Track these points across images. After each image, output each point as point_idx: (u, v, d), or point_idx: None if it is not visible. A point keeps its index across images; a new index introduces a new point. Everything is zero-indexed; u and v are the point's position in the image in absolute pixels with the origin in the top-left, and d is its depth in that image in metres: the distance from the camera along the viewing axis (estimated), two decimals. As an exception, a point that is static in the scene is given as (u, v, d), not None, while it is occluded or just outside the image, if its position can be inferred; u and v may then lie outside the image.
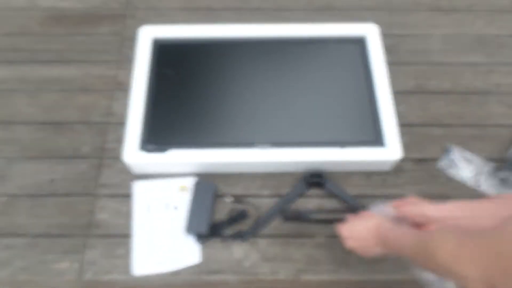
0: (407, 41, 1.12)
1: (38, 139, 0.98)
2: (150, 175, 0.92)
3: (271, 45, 1.03)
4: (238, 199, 0.90)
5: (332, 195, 0.91)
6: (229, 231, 0.87)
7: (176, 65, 1.00)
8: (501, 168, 0.92)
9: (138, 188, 0.91)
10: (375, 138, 0.91)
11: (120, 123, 0.99)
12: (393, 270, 0.84)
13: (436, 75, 1.07)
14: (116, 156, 0.95)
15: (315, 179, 0.90)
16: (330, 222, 0.86)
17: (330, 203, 0.90)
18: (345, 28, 1.05)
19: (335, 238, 0.86)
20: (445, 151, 0.94)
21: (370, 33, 1.03)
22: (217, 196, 0.91)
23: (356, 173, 0.93)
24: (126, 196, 0.91)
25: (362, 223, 0.74)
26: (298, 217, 0.86)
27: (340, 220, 0.85)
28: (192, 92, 0.97)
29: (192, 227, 0.85)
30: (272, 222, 0.88)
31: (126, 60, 1.09)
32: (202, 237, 0.85)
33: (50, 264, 0.84)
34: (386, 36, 1.12)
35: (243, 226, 0.87)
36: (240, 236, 0.86)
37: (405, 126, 0.99)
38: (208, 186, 0.90)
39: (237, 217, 0.87)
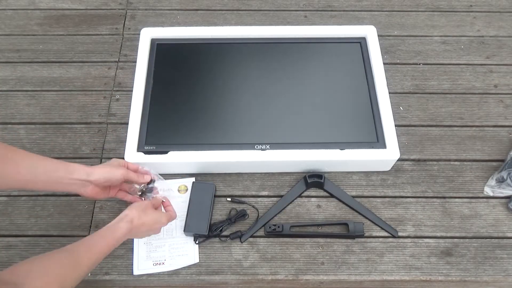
0: (406, 41, 1.13)
1: (38, 139, 0.98)
2: (150, 175, 0.92)
3: (270, 47, 1.04)
4: (237, 199, 0.90)
5: (331, 195, 0.91)
6: (228, 231, 0.87)
7: (176, 67, 1.00)
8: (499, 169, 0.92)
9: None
10: (374, 138, 0.91)
11: (120, 123, 0.99)
12: (393, 270, 0.84)
13: (435, 76, 1.07)
14: (116, 156, 0.95)
15: (314, 179, 0.90)
16: (312, 236, 0.87)
17: (329, 204, 0.90)
18: (345, 29, 1.05)
19: (335, 238, 0.87)
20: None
21: (370, 34, 1.03)
22: (216, 197, 0.91)
23: (355, 173, 0.94)
24: (126, 196, 0.91)
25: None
26: (280, 232, 0.86)
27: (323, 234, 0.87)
28: (192, 93, 0.97)
29: (190, 228, 0.85)
30: (271, 222, 0.88)
31: (126, 61, 1.09)
32: (201, 238, 0.86)
33: (50, 264, 0.84)
34: (385, 37, 1.13)
35: (243, 226, 0.88)
36: (239, 236, 0.86)
37: (404, 126, 1.00)
38: (207, 186, 0.90)
39: (237, 217, 0.87)
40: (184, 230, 0.85)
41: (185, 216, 0.86)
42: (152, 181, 0.84)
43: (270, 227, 0.86)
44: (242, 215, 0.88)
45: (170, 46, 1.03)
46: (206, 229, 0.85)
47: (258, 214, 0.89)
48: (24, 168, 0.70)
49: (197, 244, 0.85)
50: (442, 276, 0.83)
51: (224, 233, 0.87)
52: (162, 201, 0.83)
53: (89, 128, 0.99)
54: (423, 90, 1.05)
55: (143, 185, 0.83)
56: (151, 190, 0.84)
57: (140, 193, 0.84)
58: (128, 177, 0.79)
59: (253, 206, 0.89)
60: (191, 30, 1.06)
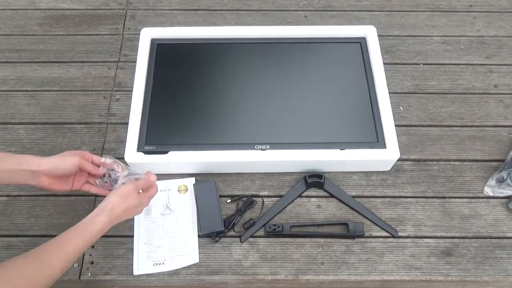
0: (406, 41, 1.13)
1: (38, 139, 0.98)
2: (150, 175, 0.92)
3: (270, 47, 1.04)
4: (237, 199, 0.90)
5: (331, 195, 0.91)
6: (240, 223, 0.88)
7: (176, 67, 1.00)
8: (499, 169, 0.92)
9: (138, 188, 0.91)
10: (374, 138, 0.91)
11: (120, 123, 0.99)
12: (393, 270, 0.84)
13: (435, 76, 1.07)
14: (116, 156, 0.95)
15: (314, 179, 0.90)
16: (312, 236, 0.87)
17: (329, 204, 0.90)
18: (345, 29, 1.05)
19: (335, 238, 0.87)
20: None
21: (370, 34, 1.03)
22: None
23: (355, 173, 0.94)
24: (126, 196, 0.91)
25: None
26: (280, 232, 0.86)
27: (323, 234, 0.87)
28: (192, 93, 0.97)
29: (206, 228, 0.85)
30: (271, 222, 0.88)
31: (126, 61, 1.09)
32: (218, 235, 0.86)
33: (50, 264, 0.83)
34: (385, 37, 1.13)
35: (252, 213, 0.88)
36: (253, 224, 0.86)
37: (404, 126, 1.00)
38: (208, 185, 0.89)
39: (246, 206, 0.88)
40: (200, 232, 0.85)
41: (193, 218, 0.86)
42: (112, 170, 0.80)
43: (270, 227, 0.86)
44: (250, 202, 0.88)
45: (170, 46, 1.03)
46: (222, 224, 0.85)
47: (259, 214, 0.89)
48: None
49: (216, 242, 0.86)
50: (442, 276, 0.83)
51: (238, 224, 0.87)
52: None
53: (89, 128, 0.99)
54: (423, 90, 1.05)
55: (102, 177, 0.80)
56: (115, 180, 0.80)
57: (100, 182, 0.81)
58: (83, 167, 0.76)
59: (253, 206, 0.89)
60: (191, 30, 1.06)
